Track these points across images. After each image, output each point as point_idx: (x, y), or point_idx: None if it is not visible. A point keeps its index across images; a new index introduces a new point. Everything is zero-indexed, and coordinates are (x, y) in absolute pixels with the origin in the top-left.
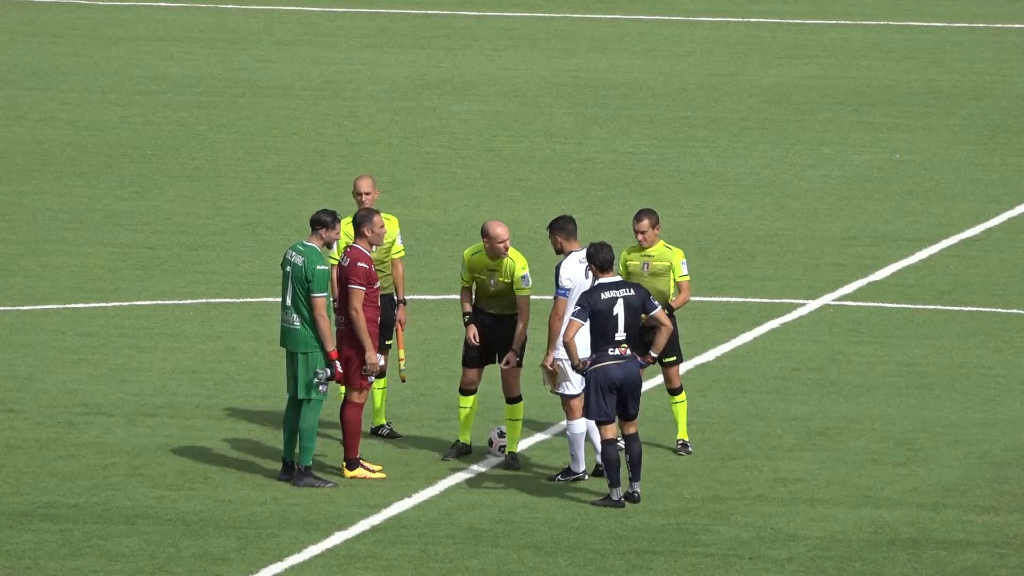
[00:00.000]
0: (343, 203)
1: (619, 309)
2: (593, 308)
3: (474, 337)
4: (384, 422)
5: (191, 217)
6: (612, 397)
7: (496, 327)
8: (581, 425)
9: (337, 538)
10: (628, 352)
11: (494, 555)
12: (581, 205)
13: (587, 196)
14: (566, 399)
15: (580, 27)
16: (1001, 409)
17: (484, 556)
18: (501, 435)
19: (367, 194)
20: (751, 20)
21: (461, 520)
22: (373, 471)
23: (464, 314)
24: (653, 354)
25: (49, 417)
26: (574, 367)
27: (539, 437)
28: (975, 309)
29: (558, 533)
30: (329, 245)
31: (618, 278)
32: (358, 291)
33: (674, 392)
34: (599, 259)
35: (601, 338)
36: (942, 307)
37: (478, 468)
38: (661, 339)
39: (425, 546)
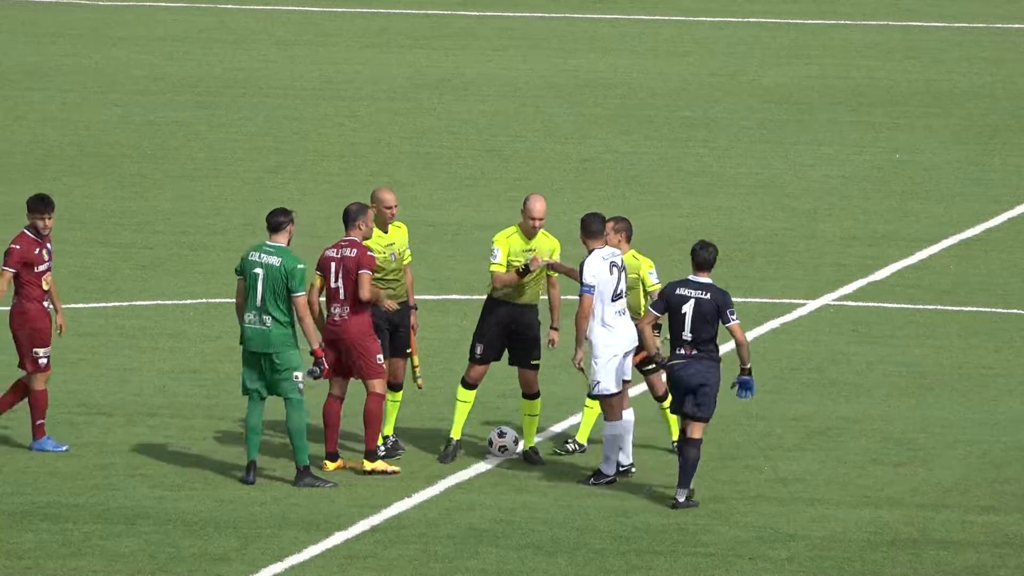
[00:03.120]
0: (343, 203)
1: (688, 309)
2: (668, 303)
3: (534, 261)
4: (391, 433)
5: (191, 217)
6: (679, 395)
7: (519, 318)
8: (617, 427)
9: (337, 538)
10: (694, 352)
11: (494, 555)
12: (581, 205)
13: (587, 196)
14: (604, 399)
15: (580, 27)
16: (1001, 409)
17: (484, 556)
18: (501, 435)
19: (396, 207)
20: (751, 20)
21: (461, 520)
22: (391, 465)
23: (517, 269)
24: (658, 359)
25: (49, 417)
26: (651, 357)
27: (538, 438)
28: (975, 309)
29: (558, 533)
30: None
31: (703, 279)
32: (368, 275)
33: (660, 399)
34: (698, 258)
35: (672, 335)
36: (942, 307)
37: (478, 468)
38: (743, 353)
39: (425, 546)
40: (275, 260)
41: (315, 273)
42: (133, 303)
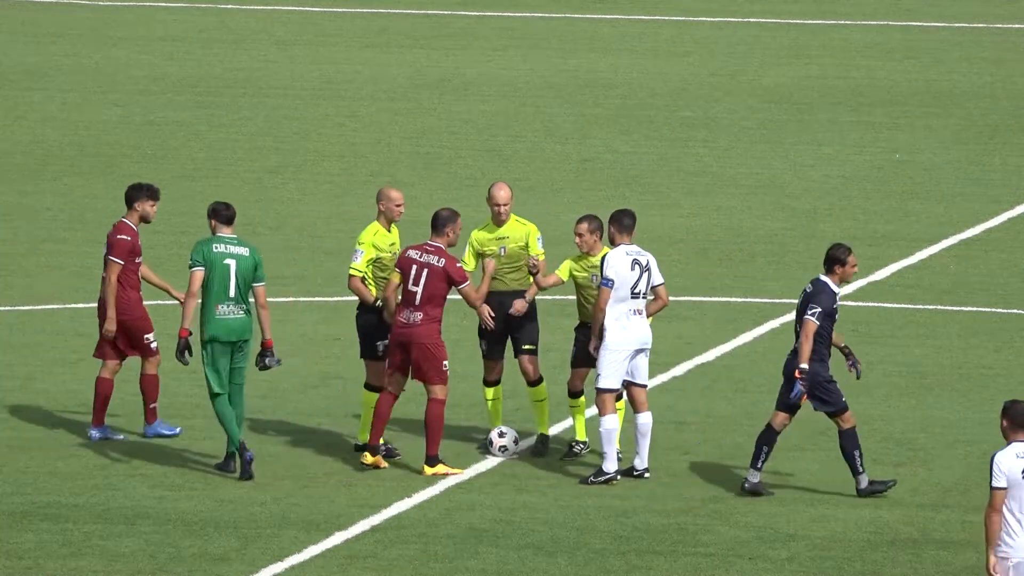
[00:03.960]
0: (343, 203)
1: (799, 302)
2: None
3: (490, 315)
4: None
5: (191, 217)
6: (784, 386)
7: (507, 305)
8: (612, 421)
9: (337, 538)
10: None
11: (494, 555)
12: (581, 205)
13: (587, 196)
14: (600, 393)
15: (580, 27)
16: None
17: (484, 556)
18: (501, 435)
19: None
20: (751, 20)
21: (461, 520)
22: (452, 469)
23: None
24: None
25: (49, 417)
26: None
27: (537, 438)
28: (975, 309)
29: (558, 533)
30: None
31: (821, 276)
32: (471, 288)
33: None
34: (830, 258)
35: None
36: (942, 307)
37: (478, 468)
38: (801, 350)
39: (425, 546)
40: (244, 251)
41: (394, 270)
42: None
